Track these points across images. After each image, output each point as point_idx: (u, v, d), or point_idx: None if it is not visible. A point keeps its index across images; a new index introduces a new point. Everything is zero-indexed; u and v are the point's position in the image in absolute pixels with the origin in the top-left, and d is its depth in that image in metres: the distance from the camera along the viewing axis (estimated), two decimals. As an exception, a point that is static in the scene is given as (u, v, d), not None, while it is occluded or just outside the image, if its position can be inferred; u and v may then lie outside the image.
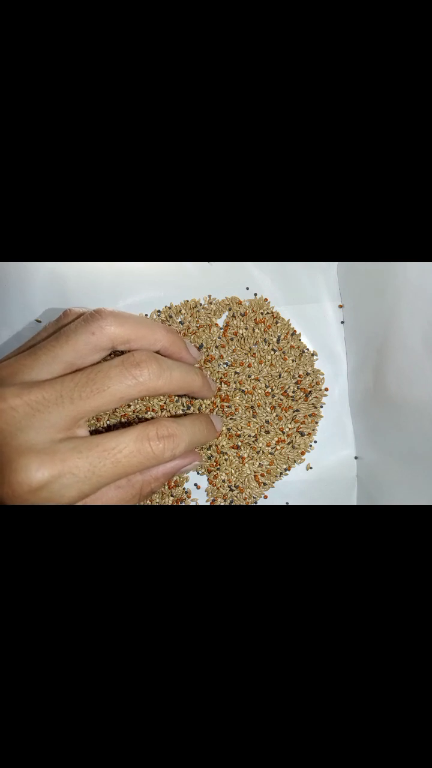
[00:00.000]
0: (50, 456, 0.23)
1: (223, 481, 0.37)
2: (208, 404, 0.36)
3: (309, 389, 0.38)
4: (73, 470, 0.23)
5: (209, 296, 0.38)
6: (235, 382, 0.37)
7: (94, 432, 0.26)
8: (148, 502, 0.36)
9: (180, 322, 0.38)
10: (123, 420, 0.35)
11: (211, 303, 0.38)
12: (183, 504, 0.37)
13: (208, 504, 0.37)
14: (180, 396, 0.36)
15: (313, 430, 0.38)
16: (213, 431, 0.32)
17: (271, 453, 0.37)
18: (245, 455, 0.37)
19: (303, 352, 0.38)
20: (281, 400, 0.37)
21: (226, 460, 0.37)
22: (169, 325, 0.37)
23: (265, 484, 0.37)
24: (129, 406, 0.36)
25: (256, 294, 0.39)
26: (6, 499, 0.22)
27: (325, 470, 0.38)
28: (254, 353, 0.37)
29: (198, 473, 0.38)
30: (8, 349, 0.37)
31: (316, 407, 0.38)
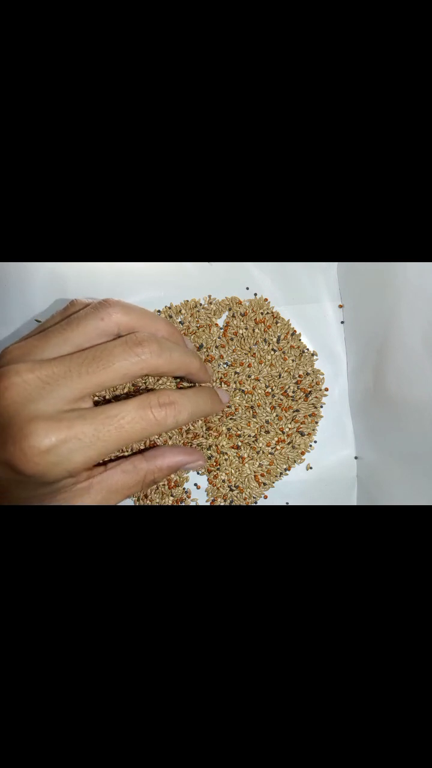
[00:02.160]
0: (57, 422, 0.24)
1: (223, 481, 0.37)
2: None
3: (309, 389, 0.38)
4: (78, 435, 0.24)
5: (209, 296, 0.38)
6: (235, 382, 0.37)
7: None
8: (148, 501, 0.36)
9: (180, 322, 0.38)
10: None
11: (211, 303, 0.38)
12: (183, 504, 0.37)
13: (208, 504, 0.37)
14: (180, 379, 0.36)
15: (313, 430, 0.38)
16: (218, 402, 0.33)
17: (271, 453, 0.37)
18: (245, 455, 0.37)
19: (303, 352, 0.38)
20: (281, 400, 0.37)
21: (226, 460, 0.37)
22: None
23: (265, 484, 0.37)
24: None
25: (256, 294, 0.39)
26: (18, 462, 0.24)
27: (325, 470, 0.38)
28: (254, 353, 0.37)
29: (198, 473, 0.38)
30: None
31: (316, 407, 0.38)
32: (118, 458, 0.30)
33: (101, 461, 0.28)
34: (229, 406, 0.37)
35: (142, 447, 0.35)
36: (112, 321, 0.27)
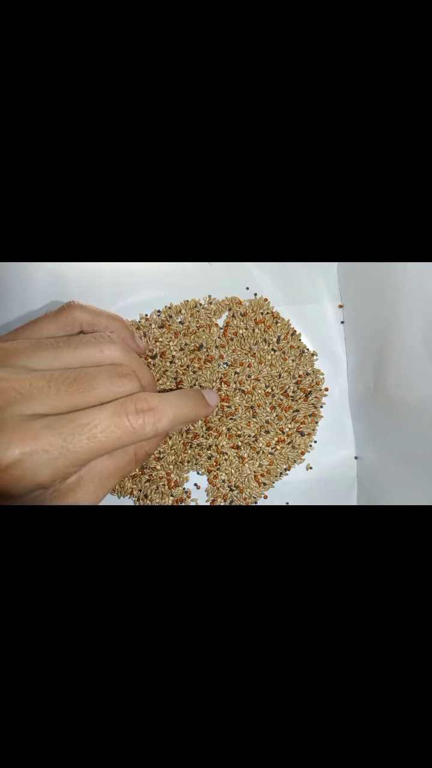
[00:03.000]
0: (20, 434, 0.22)
1: (223, 481, 0.37)
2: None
3: (309, 389, 0.38)
4: (45, 447, 0.22)
5: (209, 296, 0.38)
6: (235, 382, 0.37)
7: None
8: (148, 501, 0.36)
9: (180, 322, 0.38)
10: None
11: (211, 303, 0.38)
12: (183, 504, 0.37)
13: (208, 504, 0.37)
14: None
15: (313, 430, 0.38)
16: (203, 406, 0.31)
17: (271, 453, 0.37)
18: (245, 455, 0.37)
19: (303, 352, 0.38)
20: (281, 400, 0.37)
21: (226, 460, 0.37)
22: (169, 326, 0.37)
23: (265, 484, 0.37)
24: None
25: (256, 294, 0.39)
26: None
27: (325, 470, 0.38)
28: (254, 353, 0.37)
29: (198, 473, 0.38)
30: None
31: (316, 407, 0.38)
32: None
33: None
34: (228, 406, 0.37)
35: None
36: (109, 356, 0.27)
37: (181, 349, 0.37)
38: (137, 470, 0.36)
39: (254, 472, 0.37)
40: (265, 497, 0.38)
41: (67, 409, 0.24)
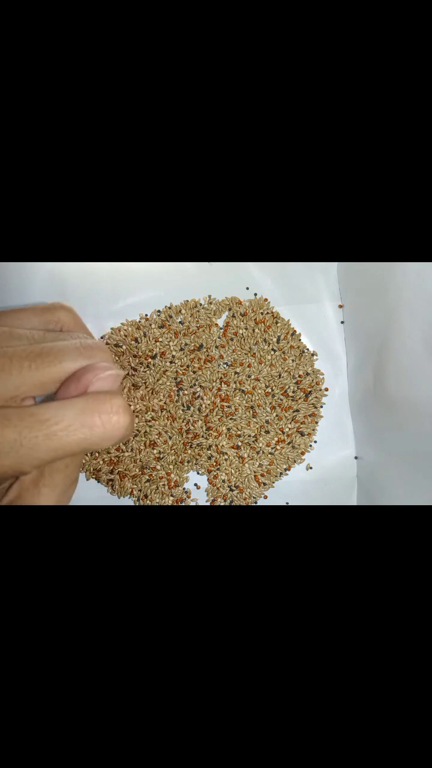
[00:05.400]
0: None
1: (223, 481, 0.37)
2: (209, 404, 0.36)
3: (309, 389, 0.38)
4: None
5: (209, 296, 0.38)
6: (235, 382, 0.37)
7: None
8: (148, 501, 0.36)
9: (180, 322, 0.38)
10: None
11: (211, 303, 0.38)
12: (183, 504, 0.37)
13: (208, 504, 0.37)
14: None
15: (313, 430, 0.38)
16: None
17: (271, 453, 0.37)
18: (245, 455, 0.37)
19: (303, 352, 0.38)
20: (281, 400, 0.37)
21: (226, 460, 0.37)
22: (169, 326, 0.37)
23: (265, 484, 0.37)
24: None
25: (256, 294, 0.39)
26: None
27: (325, 470, 0.38)
28: (254, 353, 0.37)
29: (198, 473, 0.38)
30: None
31: (316, 407, 0.38)
32: None
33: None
34: (229, 406, 0.37)
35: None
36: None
37: (181, 349, 0.37)
38: (137, 470, 0.36)
39: (254, 472, 0.37)
40: (265, 497, 0.38)
41: (37, 389, 0.22)
